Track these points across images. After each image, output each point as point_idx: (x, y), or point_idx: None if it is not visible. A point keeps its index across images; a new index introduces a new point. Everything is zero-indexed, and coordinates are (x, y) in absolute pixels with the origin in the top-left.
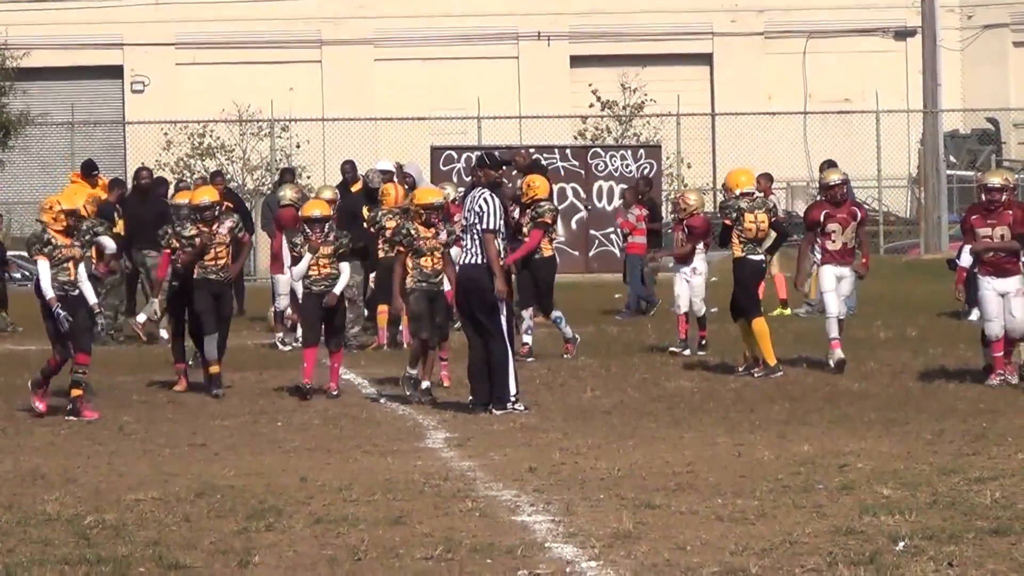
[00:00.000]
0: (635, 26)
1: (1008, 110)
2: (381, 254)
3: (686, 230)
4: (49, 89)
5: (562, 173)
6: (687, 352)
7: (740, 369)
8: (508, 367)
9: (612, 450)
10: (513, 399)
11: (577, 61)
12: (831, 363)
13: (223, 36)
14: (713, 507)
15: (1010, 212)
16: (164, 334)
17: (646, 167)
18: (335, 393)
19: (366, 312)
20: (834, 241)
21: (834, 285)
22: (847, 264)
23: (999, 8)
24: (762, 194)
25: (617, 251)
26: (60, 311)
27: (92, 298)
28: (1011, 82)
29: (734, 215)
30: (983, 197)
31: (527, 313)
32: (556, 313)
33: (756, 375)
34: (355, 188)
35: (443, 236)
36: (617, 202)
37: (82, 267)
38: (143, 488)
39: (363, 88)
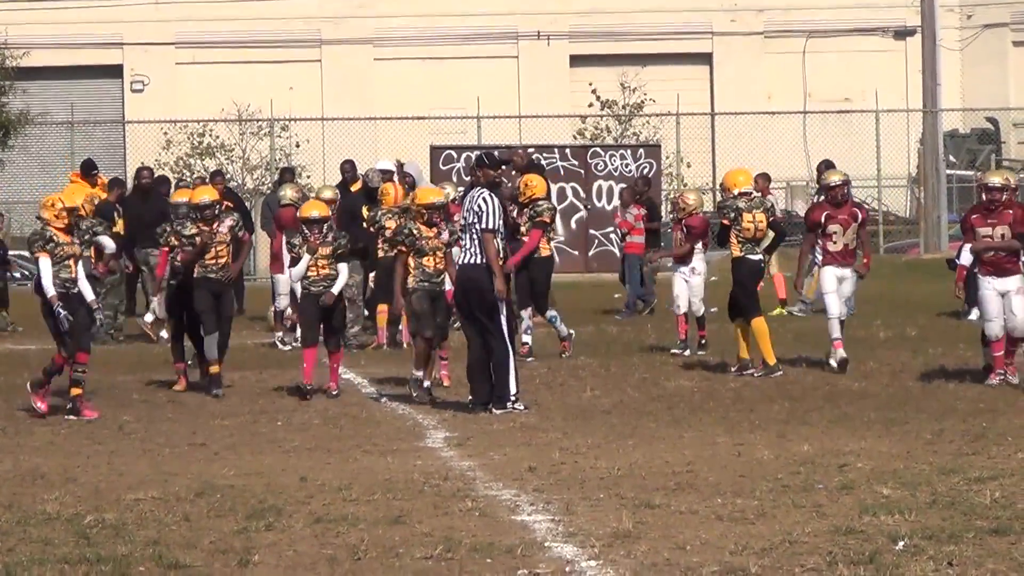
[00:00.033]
0: (635, 25)
1: (1008, 109)
2: (381, 254)
3: (685, 230)
4: (49, 88)
5: (562, 173)
6: (687, 353)
7: (732, 370)
8: (509, 366)
9: (612, 450)
10: (513, 398)
11: (577, 60)
12: (833, 363)
13: (223, 35)
14: (713, 507)
15: (1010, 212)
16: (164, 334)
17: (646, 167)
18: (335, 393)
19: (366, 312)
20: (835, 242)
21: (835, 286)
22: (848, 265)
23: (999, 8)
24: (760, 194)
25: (617, 251)
26: (61, 310)
27: (90, 295)
28: (1011, 82)
29: (732, 215)
30: (983, 197)
31: (526, 313)
32: (551, 312)
33: (756, 375)
34: (355, 188)
35: (445, 236)
36: (617, 202)
37: (80, 266)
38: (143, 487)
39: (363, 87)
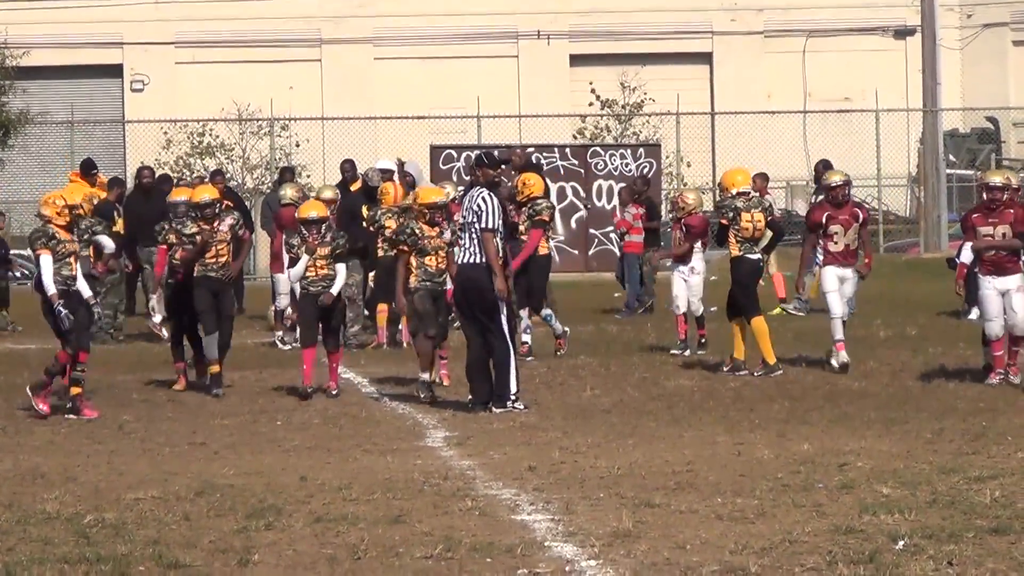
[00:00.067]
0: (635, 25)
1: (1008, 109)
2: (380, 253)
3: (684, 229)
4: (49, 88)
5: (562, 172)
6: (687, 352)
7: (725, 369)
8: (509, 365)
9: (612, 449)
10: (513, 397)
11: (577, 60)
12: (834, 363)
13: (223, 35)
14: (713, 506)
15: (1011, 211)
16: (164, 333)
17: (645, 166)
18: (334, 392)
19: (366, 311)
20: (836, 243)
21: (837, 286)
22: (850, 265)
23: (999, 7)
24: (758, 194)
25: (617, 250)
26: (61, 308)
27: (87, 291)
28: (1011, 81)
29: (731, 215)
30: (984, 196)
31: (526, 312)
32: (546, 311)
33: (756, 374)
34: (354, 187)
35: (447, 235)
36: (616, 201)
37: (78, 265)
38: (143, 487)
39: (363, 87)
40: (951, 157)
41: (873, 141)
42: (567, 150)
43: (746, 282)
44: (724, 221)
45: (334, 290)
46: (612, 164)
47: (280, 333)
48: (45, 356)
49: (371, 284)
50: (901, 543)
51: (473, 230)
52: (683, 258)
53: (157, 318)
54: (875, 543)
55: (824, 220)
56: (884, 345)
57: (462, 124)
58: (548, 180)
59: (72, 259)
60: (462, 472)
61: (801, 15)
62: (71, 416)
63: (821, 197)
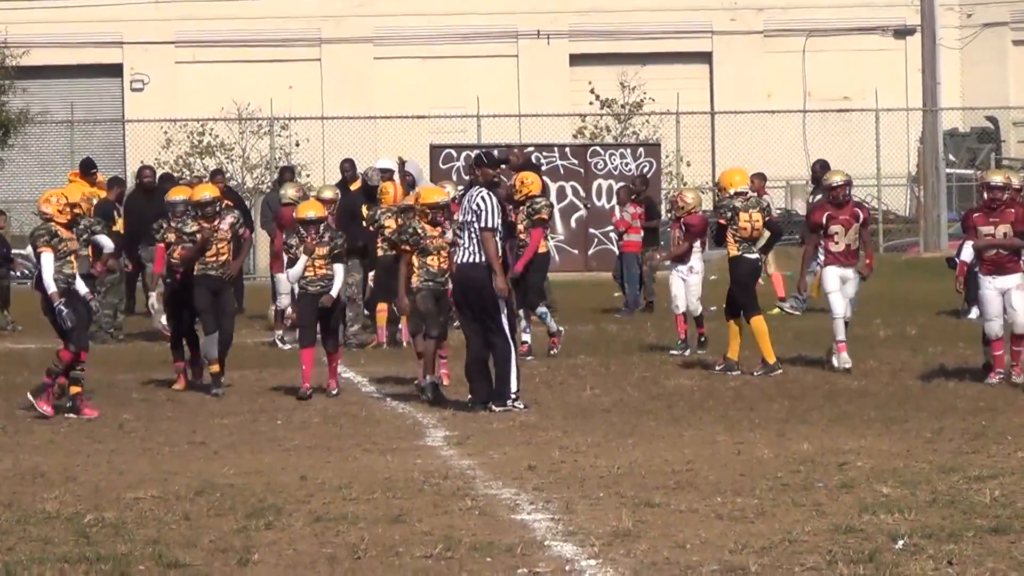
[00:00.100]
0: (634, 24)
1: (1007, 108)
2: (380, 252)
3: (684, 228)
4: (49, 87)
5: (561, 171)
6: (687, 352)
7: (717, 368)
8: (511, 364)
9: (612, 448)
10: (514, 396)
11: (576, 59)
12: (835, 363)
13: (223, 34)
14: (713, 505)
15: (1012, 211)
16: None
17: (645, 165)
18: (334, 392)
19: (366, 311)
20: (837, 243)
21: (838, 286)
22: (851, 265)
23: (999, 6)
24: (756, 194)
25: (616, 250)
26: (63, 307)
27: (83, 288)
28: (1010, 80)
29: (729, 214)
30: (985, 196)
31: (524, 312)
32: (541, 308)
33: (756, 373)
34: (354, 186)
35: (449, 235)
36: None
37: (78, 264)
38: (143, 486)
39: (362, 86)
40: (951, 157)
41: (873, 141)
42: (567, 149)
43: (745, 282)
44: (722, 221)
45: (333, 292)
46: (612, 164)
47: (280, 332)
48: (45, 356)
49: (371, 284)
50: (901, 542)
51: (472, 229)
52: (682, 258)
53: (162, 319)
54: (875, 542)
55: (825, 220)
56: (884, 344)
57: (462, 124)
58: (548, 180)
59: (73, 257)
60: (462, 471)
61: (801, 14)
62: (71, 415)
63: (819, 197)
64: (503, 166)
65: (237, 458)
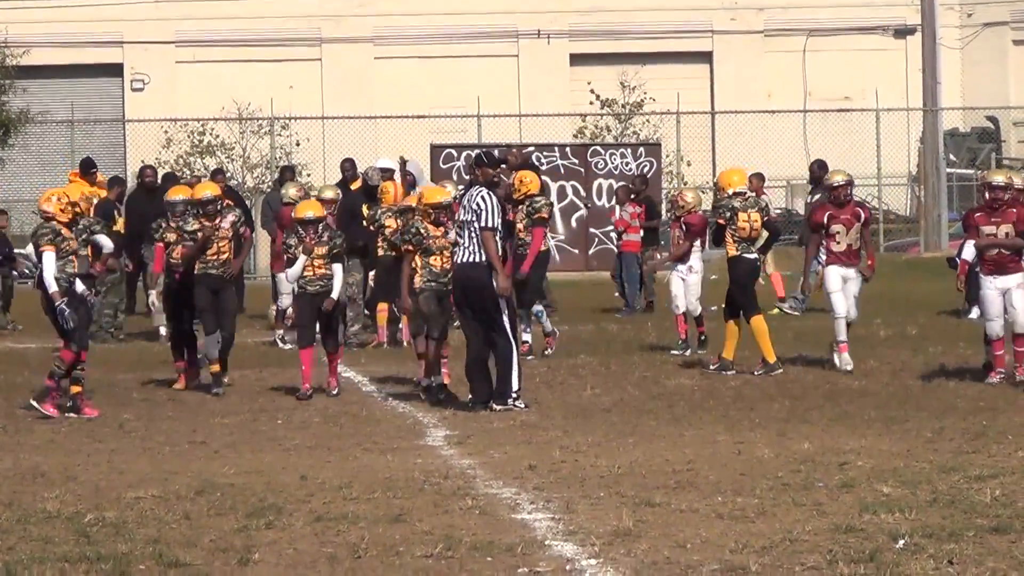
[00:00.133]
0: (635, 24)
1: (1008, 108)
2: (380, 252)
3: (684, 227)
4: (49, 87)
5: (562, 171)
6: (687, 352)
7: (712, 367)
8: (512, 363)
9: (612, 448)
10: (515, 395)
11: (577, 59)
12: (836, 361)
13: (223, 34)
14: (713, 505)
15: (1014, 210)
16: (163, 331)
17: (646, 165)
18: (335, 392)
19: (366, 311)
20: (838, 242)
21: (840, 286)
22: (853, 265)
23: (999, 6)
24: (754, 194)
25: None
26: (64, 307)
27: (80, 286)
28: (1011, 80)
29: (728, 214)
30: (987, 196)
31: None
32: (537, 307)
33: (756, 372)
34: (354, 186)
35: (452, 235)
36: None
37: (77, 263)
38: (143, 486)
39: (363, 86)
40: (951, 156)
41: (873, 140)
42: (567, 149)
43: (744, 282)
44: (722, 221)
45: (334, 294)
46: (612, 163)
47: (280, 332)
48: (45, 355)
49: (371, 283)
50: (901, 542)
51: (472, 229)
52: (682, 257)
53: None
54: (875, 542)
55: (826, 220)
56: (884, 344)
57: (462, 123)
58: (548, 179)
59: (74, 257)
60: (462, 471)
61: (801, 14)
62: (71, 415)
63: (817, 197)
64: (502, 166)
65: (237, 457)
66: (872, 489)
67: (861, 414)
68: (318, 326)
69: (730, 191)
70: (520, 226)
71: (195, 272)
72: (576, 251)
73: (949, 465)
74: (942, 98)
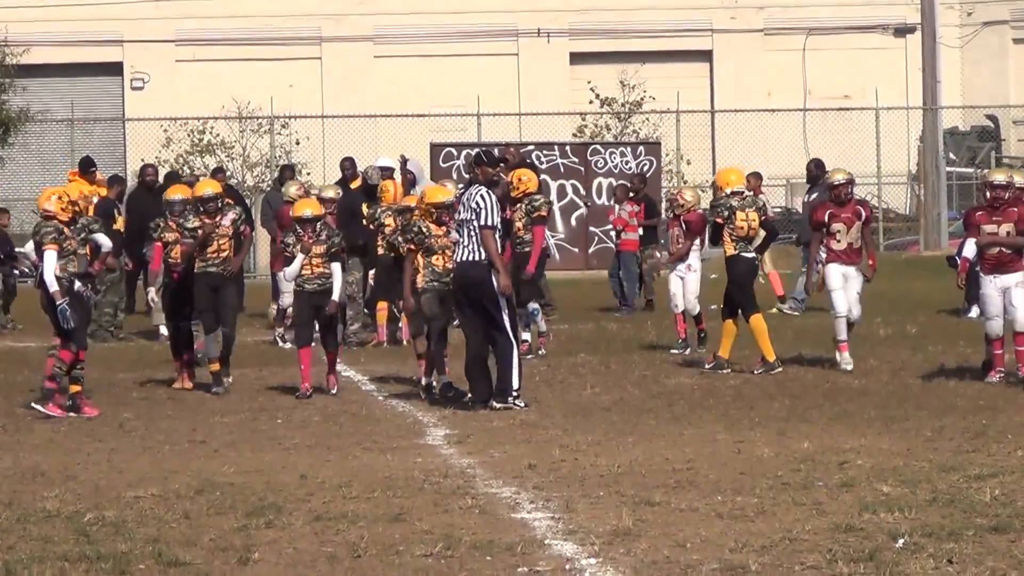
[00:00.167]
0: (635, 23)
1: (1008, 107)
2: (380, 251)
3: (683, 226)
4: (49, 86)
5: (562, 170)
6: (687, 351)
7: (707, 366)
8: (512, 361)
9: (612, 447)
10: (515, 393)
11: (577, 58)
12: (838, 360)
13: (223, 33)
14: (713, 504)
15: (1015, 209)
16: (163, 330)
17: (645, 164)
18: (334, 391)
19: (366, 310)
20: (839, 241)
21: (841, 284)
22: (854, 264)
23: (999, 5)
24: (751, 193)
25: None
26: (65, 306)
27: (77, 284)
28: (1011, 79)
29: (726, 214)
30: (988, 195)
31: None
32: (533, 305)
33: (756, 371)
34: (354, 185)
35: (454, 234)
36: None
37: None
38: (143, 485)
39: (363, 85)
40: (951, 155)
41: (873, 139)
42: (567, 148)
43: (742, 281)
44: (719, 220)
45: (335, 295)
46: (612, 162)
47: (280, 331)
48: (45, 354)
49: (371, 282)
50: (901, 541)
51: (472, 227)
52: (680, 256)
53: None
54: (875, 541)
55: (827, 218)
56: (884, 343)
57: (462, 122)
58: (548, 178)
59: (74, 256)
60: (462, 470)
61: (801, 13)
62: (71, 414)
63: (815, 195)
64: (501, 164)
65: (237, 456)
66: (872, 488)
67: (861, 413)
68: (317, 325)
69: (728, 190)
70: (519, 225)
71: (195, 271)
72: (576, 250)
73: (949, 464)
74: (942, 97)
